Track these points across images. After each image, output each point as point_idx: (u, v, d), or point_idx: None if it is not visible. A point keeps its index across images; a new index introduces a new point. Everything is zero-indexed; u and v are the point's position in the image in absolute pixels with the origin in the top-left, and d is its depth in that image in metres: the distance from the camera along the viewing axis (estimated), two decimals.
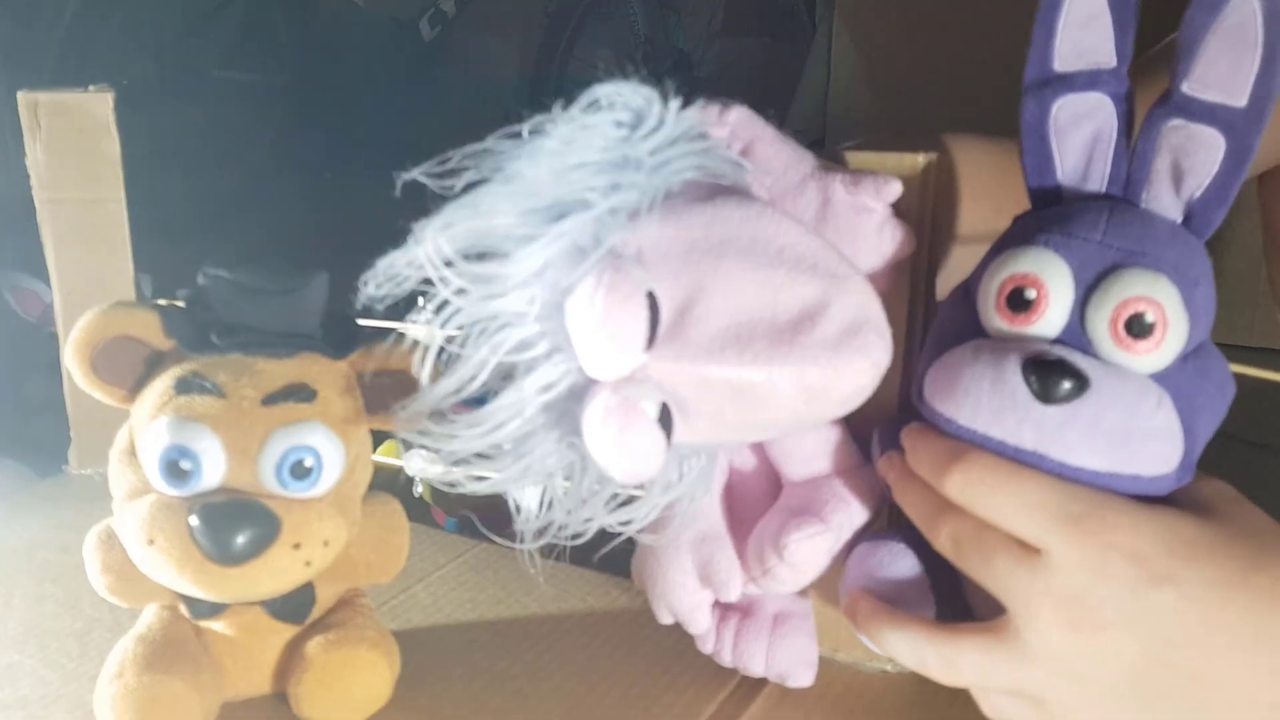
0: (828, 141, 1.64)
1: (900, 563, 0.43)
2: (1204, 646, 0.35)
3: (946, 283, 0.59)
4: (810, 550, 0.45)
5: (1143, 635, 0.36)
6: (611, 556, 0.61)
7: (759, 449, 0.49)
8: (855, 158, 0.47)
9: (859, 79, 1.48)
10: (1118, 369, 0.37)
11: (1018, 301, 0.39)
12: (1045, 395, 0.37)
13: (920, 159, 0.46)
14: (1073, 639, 0.36)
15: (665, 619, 0.50)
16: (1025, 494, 0.37)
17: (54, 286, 0.73)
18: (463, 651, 0.56)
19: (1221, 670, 0.35)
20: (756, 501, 0.49)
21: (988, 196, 0.58)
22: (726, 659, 0.52)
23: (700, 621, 0.49)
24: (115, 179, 0.73)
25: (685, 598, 0.48)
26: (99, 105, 0.72)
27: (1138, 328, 0.37)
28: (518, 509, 0.43)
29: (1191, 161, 0.39)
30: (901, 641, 0.40)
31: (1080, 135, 0.41)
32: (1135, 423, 0.37)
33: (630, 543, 0.62)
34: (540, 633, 0.57)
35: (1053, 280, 0.38)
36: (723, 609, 0.52)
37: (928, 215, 0.46)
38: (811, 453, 0.47)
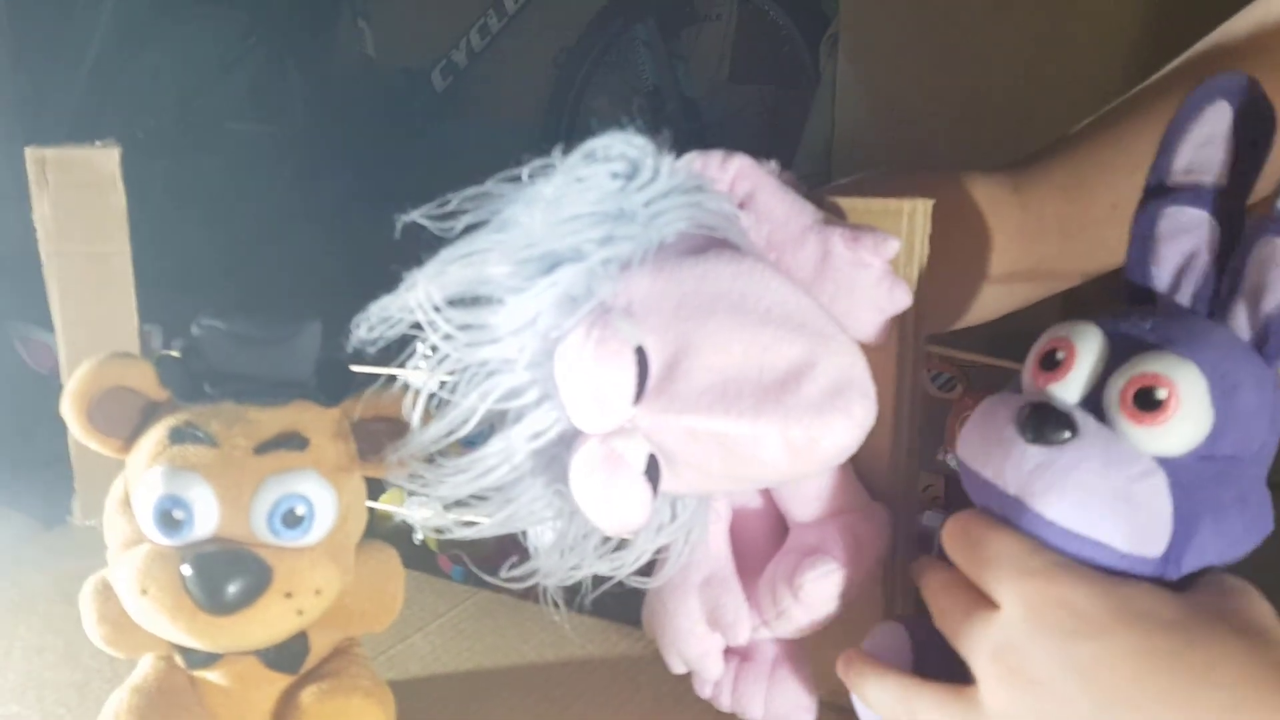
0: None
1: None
2: (1134, 711, 0.35)
3: (936, 322, 0.59)
4: (825, 589, 0.45)
5: (1075, 691, 0.35)
6: (610, 602, 0.61)
7: (764, 491, 0.49)
8: (843, 203, 0.47)
9: (864, 124, 1.49)
10: (1115, 433, 0.37)
11: (1049, 361, 0.39)
12: (1030, 435, 0.37)
13: (905, 204, 0.46)
14: (1010, 693, 0.37)
15: (678, 668, 0.49)
16: (994, 547, 0.37)
17: (59, 338, 0.74)
18: (460, 701, 0.56)
19: None
20: (762, 543, 0.49)
21: (978, 232, 0.59)
22: (725, 703, 0.51)
23: (712, 668, 0.49)
24: (121, 232, 0.73)
25: (695, 644, 0.48)
26: (105, 160, 0.72)
27: (1145, 400, 0.36)
28: (535, 551, 0.44)
29: (1270, 277, 0.37)
30: (872, 688, 0.41)
31: (1177, 249, 0.41)
32: (1109, 483, 0.36)
33: (630, 588, 0.62)
34: (538, 681, 0.57)
35: (1083, 347, 0.39)
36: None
37: (914, 260, 0.46)
38: (818, 494, 0.47)
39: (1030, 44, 1.30)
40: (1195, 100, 0.40)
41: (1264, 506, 0.38)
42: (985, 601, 0.38)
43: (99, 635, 0.48)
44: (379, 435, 0.48)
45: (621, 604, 0.64)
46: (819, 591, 0.45)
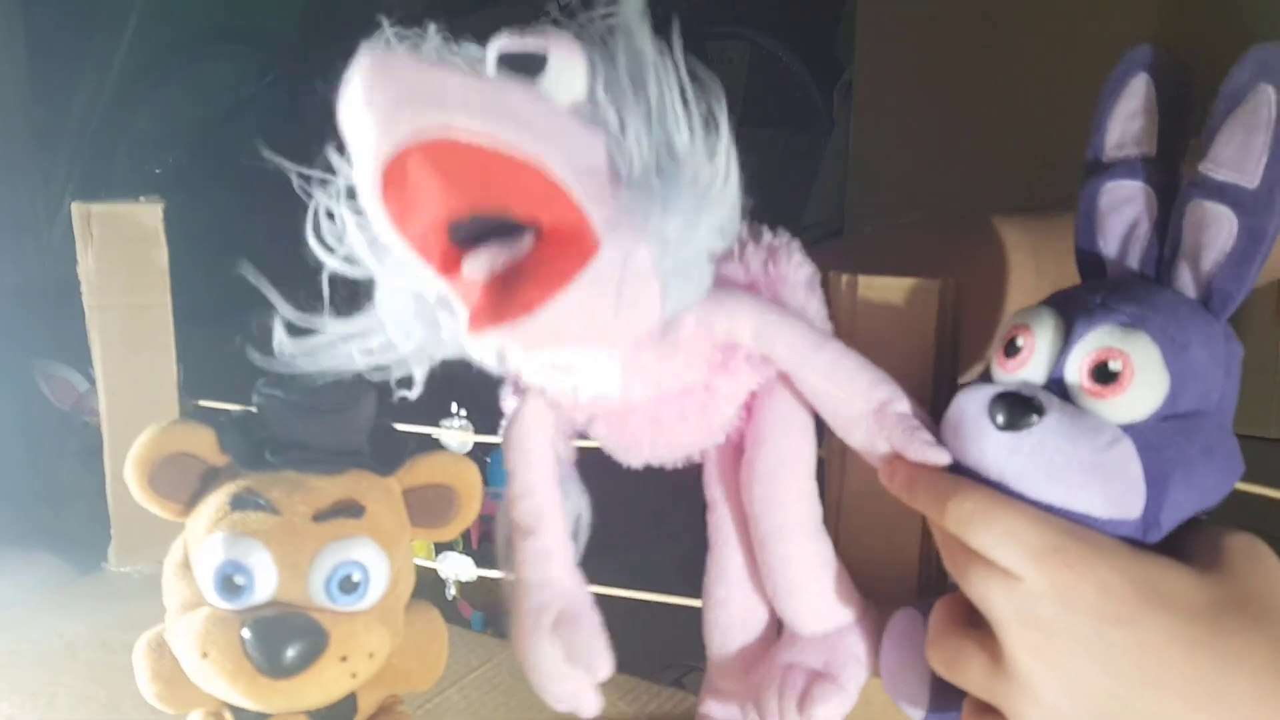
0: (846, 231, 1.67)
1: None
2: (1159, 694, 0.36)
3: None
4: (832, 714, 0.47)
5: (1101, 671, 0.37)
6: (643, 660, 0.62)
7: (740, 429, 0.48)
8: (875, 281, 0.49)
9: (877, 170, 1.51)
10: (1079, 410, 0.39)
11: (1011, 349, 0.42)
12: (1000, 422, 0.40)
13: (936, 284, 0.48)
14: (1037, 665, 0.38)
15: (560, 708, 0.49)
16: (1005, 525, 0.39)
17: (100, 388, 0.76)
18: None
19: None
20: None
21: (994, 299, 0.60)
22: None
23: (587, 706, 0.48)
24: (163, 286, 0.75)
25: (561, 685, 0.48)
26: (149, 216, 0.75)
27: (1102, 374, 0.39)
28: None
29: (1206, 238, 0.40)
30: (931, 628, 0.43)
31: (1120, 220, 0.44)
32: (1078, 455, 0.38)
33: (654, 644, 0.63)
34: None
35: (1040, 330, 0.41)
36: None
37: (946, 338, 0.48)
38: (821, 613, 0.48)
39: (1045, 90, 1.32)
40: (1116, 77, 0.43)
41: (1232, 453, 0.41)
42: (1003, 569, 0.39)
43: (151, 692, 0.50)
44: (427, 501, 0.50)
45: (653, 662, 0.65)
46: (827, 715, 0.47)
